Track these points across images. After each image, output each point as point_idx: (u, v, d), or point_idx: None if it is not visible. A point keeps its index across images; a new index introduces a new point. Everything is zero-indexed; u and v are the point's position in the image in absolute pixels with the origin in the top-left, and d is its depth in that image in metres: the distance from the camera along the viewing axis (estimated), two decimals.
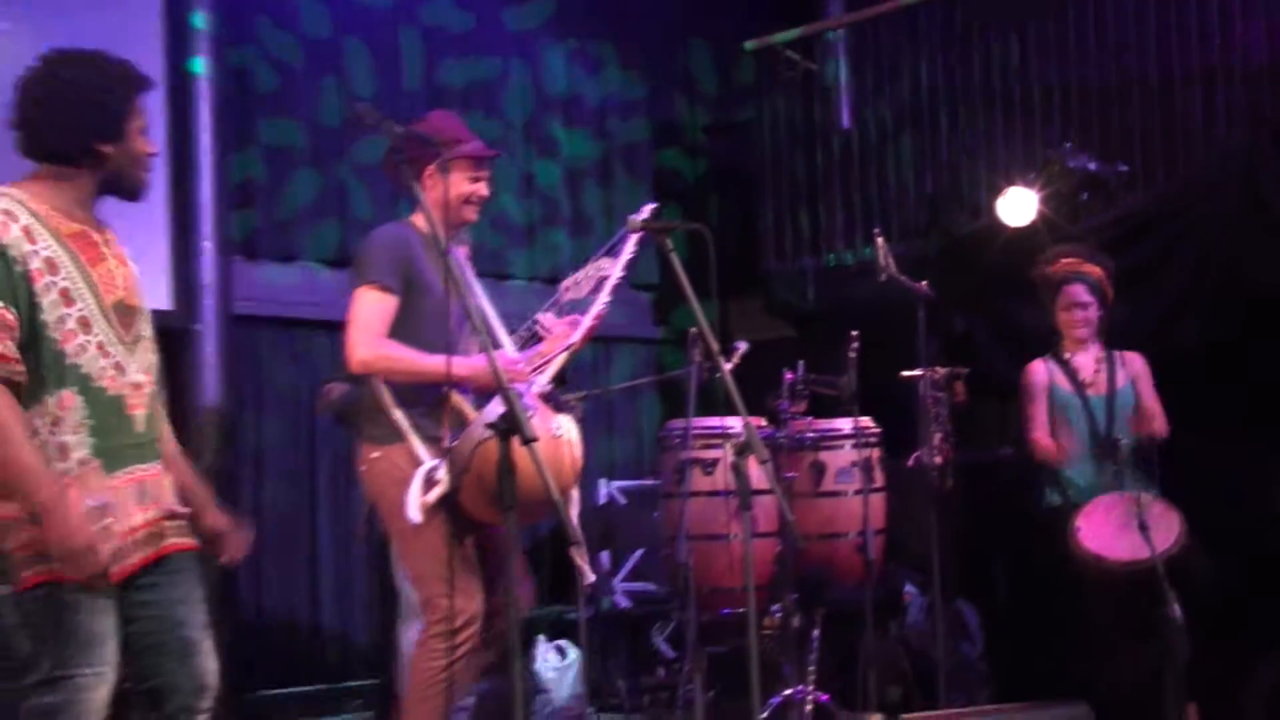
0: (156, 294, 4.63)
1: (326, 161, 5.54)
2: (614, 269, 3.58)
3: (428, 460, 3.30)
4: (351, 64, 5.66)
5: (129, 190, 2.68)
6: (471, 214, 3.52)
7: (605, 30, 6.66)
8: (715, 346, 3.14)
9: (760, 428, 4.26)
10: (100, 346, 2.57)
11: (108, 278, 2.61)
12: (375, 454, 3.39)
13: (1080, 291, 4.47)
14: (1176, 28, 5.24)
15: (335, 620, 5.50)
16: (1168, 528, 3.96)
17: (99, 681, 2.50)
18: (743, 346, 4.24)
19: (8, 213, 2.52)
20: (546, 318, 3.57)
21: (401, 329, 3.35)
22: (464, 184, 3.45)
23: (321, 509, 5.47)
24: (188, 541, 2.69)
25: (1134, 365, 4.51)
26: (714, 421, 4.21)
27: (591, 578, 3.53)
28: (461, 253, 3.57)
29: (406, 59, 5.87)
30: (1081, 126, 5.37)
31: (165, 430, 2.76)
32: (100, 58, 2.64)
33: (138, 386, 2.63)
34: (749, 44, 6.36)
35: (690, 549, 3.97)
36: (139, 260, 2.77)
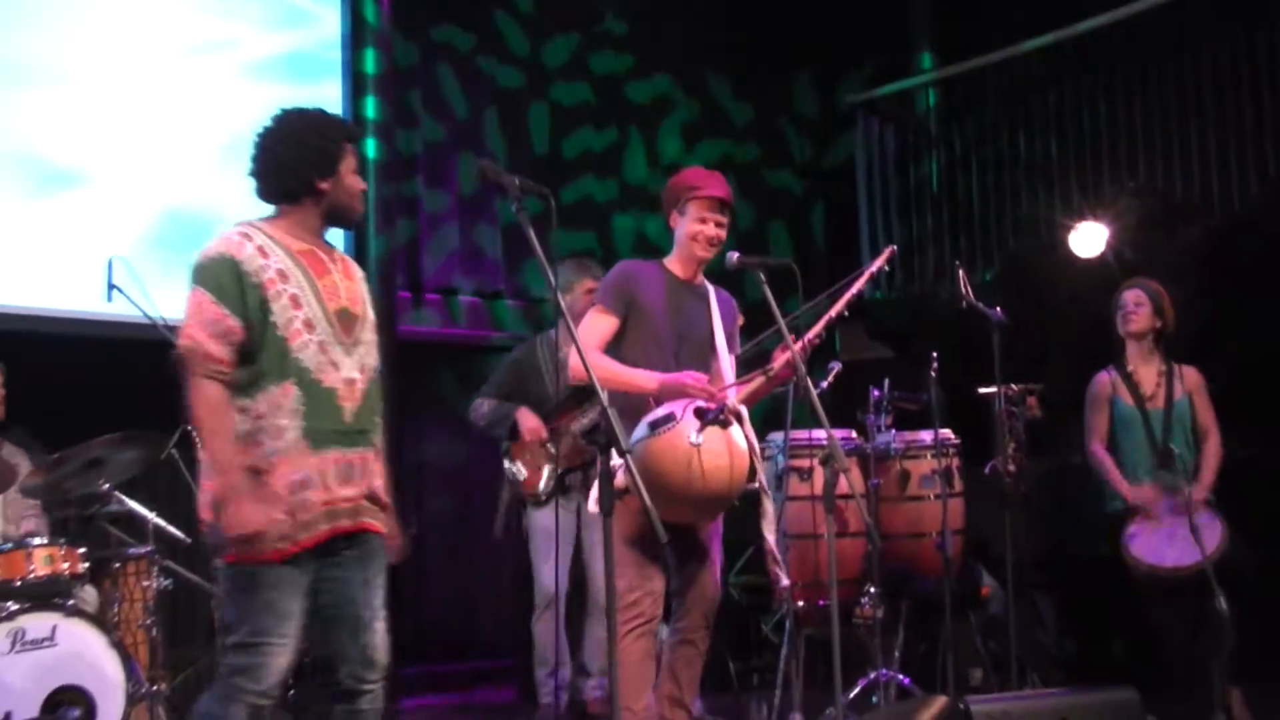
0: None
1: (469, 219, 6.42)
2: (847, 292, 3.92)
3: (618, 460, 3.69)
4: (488, 137, 6.49)
5: (345, 219, 3.02)
6: (702, 250, 3.81)
7: (718, 65, 7.27)
8: (804, 369, 3.57)
9: (851, 439, 4.71)
10: (321, 345, 2.84)
11: (331, 288, 2.90)
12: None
13: (1135, 294, 4.70)
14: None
15: (485, 609, 6.17)
16: (1212, 532, 4.27)
17: (283, 650, 2.77)
18: (837, 367, 4.57)
19: (244, 234, 2.86)
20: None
21: (622, 346, 3.74)
22: (695, 223, 3.79)
23: (474, 511, 6.12)
24: (381, 526, 2.93)
25: (1190, 379, 4.70)
26: (806, 434, 4.45)
27: (786, 581, 3.80)
28: (715, 291, 3.89)
29: (535, 130, 6.65)
30: (1146, 163, 5.70)
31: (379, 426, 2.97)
32: (318, 112, 3.00)
33: (350, 383, 2.88)
34: (848, 97, 6.87)
35: (789, 546, 4.40)
36: None
